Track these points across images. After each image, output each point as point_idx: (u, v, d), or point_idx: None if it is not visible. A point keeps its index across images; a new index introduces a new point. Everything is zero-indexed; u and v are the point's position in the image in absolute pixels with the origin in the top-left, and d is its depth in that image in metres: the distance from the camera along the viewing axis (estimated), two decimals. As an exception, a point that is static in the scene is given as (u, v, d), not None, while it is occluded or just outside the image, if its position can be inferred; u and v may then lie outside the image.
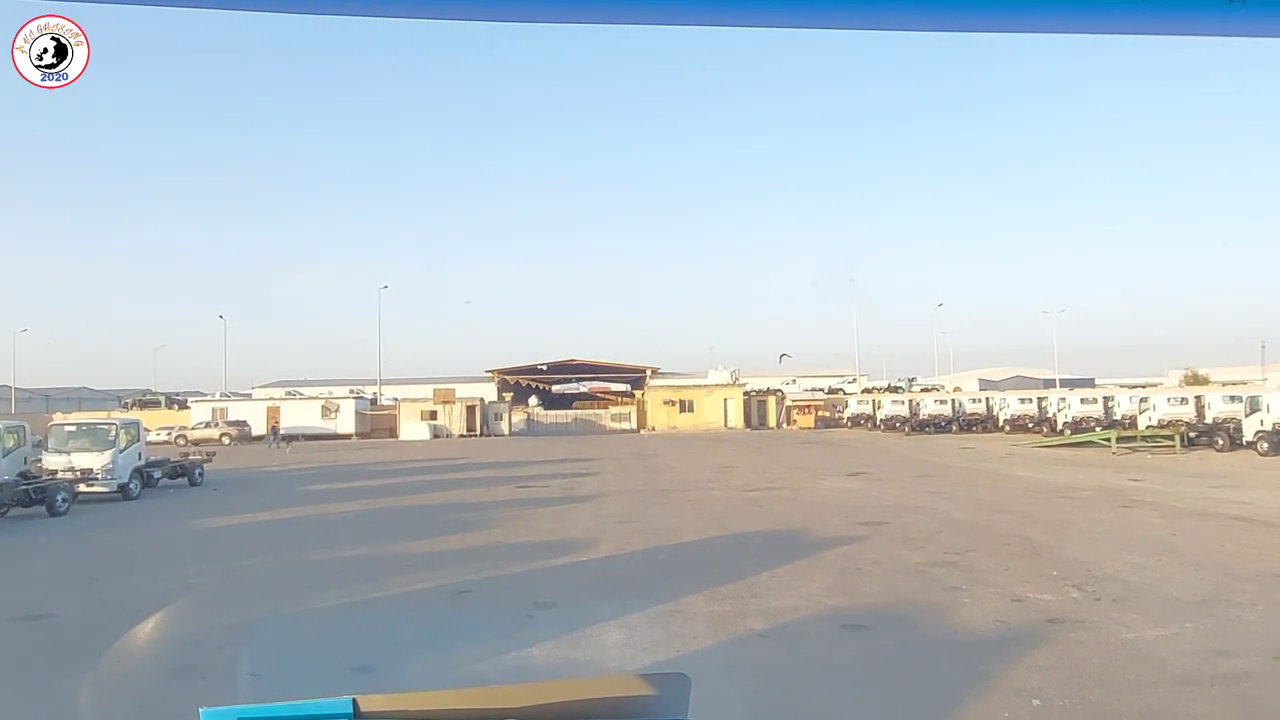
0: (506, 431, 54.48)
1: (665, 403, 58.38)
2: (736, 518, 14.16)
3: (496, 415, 55.64)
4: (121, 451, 19.38)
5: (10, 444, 19.47)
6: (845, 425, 52.81)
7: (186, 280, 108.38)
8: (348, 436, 50.69)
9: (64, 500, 16.96)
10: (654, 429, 55.78)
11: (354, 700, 1.00)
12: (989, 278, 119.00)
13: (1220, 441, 28.15)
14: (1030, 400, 43.41)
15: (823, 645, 6.92)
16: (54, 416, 36.13)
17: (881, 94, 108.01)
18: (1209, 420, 29.86)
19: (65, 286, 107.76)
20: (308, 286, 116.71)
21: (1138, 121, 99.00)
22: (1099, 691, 5.51)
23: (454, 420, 53.38)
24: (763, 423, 57.76)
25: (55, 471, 18.46)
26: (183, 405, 57.85)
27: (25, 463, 19.51)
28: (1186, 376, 56.87)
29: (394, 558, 11.01)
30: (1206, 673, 5.87)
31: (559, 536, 12.49)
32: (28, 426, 21.38)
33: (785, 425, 57.22)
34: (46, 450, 19.36)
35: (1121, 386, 47.55)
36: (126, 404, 60.93)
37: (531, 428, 57.61)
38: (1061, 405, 39.05)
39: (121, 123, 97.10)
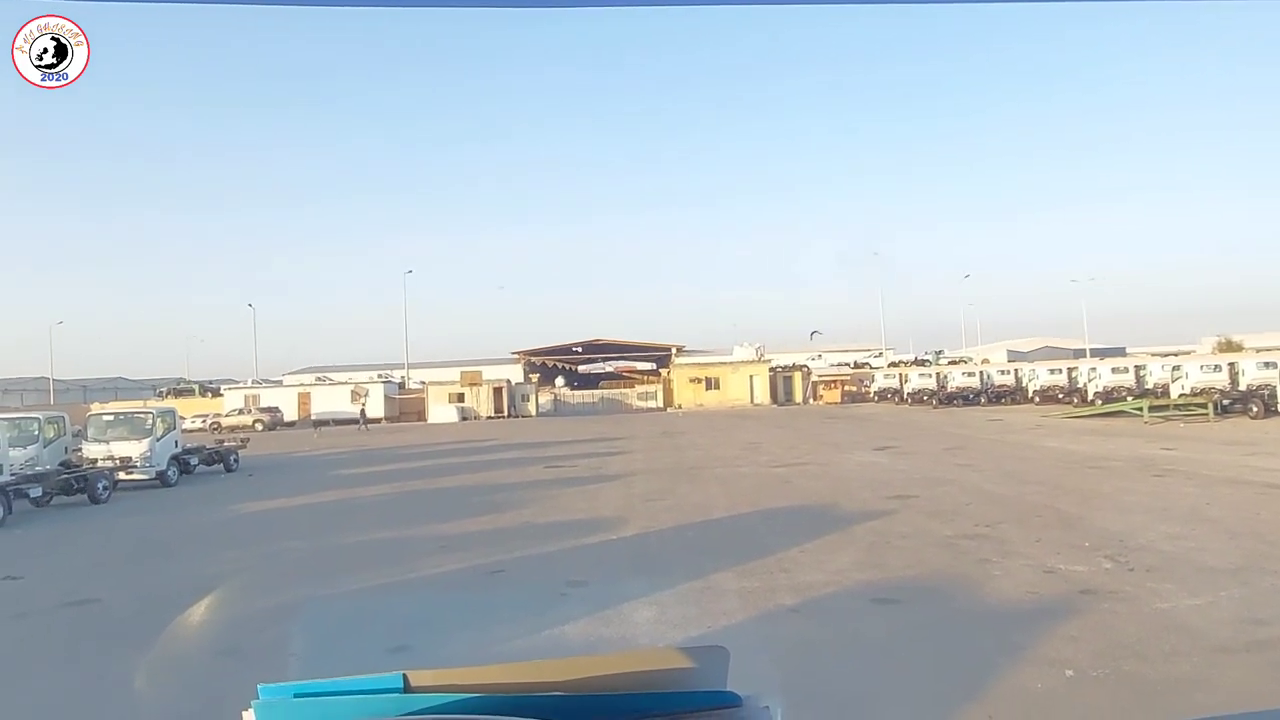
0: (533, 412, 54.90)
1: (691, 380, 58.43)
2: (764, 494, 14.18)
3: (523, 396, 56.09)
4: (159, 440, 19.80)
5: (51, 434, 20.05)
6: (872, 399, 52.50)
7: (217, 269, 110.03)
8: (377, 420, 51.37)
9: (105, 488, 17.41)
10: (680, 407, 55.84)
11: (404, 675, 1.04)
12: (1016, 248, 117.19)
13: (1255, 409, 27.68)
14: (1060, 370, 42.80)
15: (853, 619, 6.93)
16: (92, 406, 37.02)
17: (905, 68, 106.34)
18: (1243, 387, 29.29)
19: (99, 278, 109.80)
20: (335, 273, 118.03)
21: (1166, 86, 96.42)
22: (1133, 661, 5.48)
23: (481, 402, 53.87)
24: (789, 398, 57.66)
25: (95, 460, 18.93)
26: (216, 393, 58.92)
27: (66, 452, 20.09)
28: (1220, 343, 55.64)
29: (427, 539, 11.18)
30: (1242, 641, 5.82)
31: (589, 515, 12.60)
32: (67, 417, 21.99)
33: (812, 400, 57.04)
34: (86, 440, 19.84)
35: (1153, 355, 46.69)
36: (162, 393, 62.11)
37: (558, 408, 57.91)
38: (1092, 375, 38.51)
39: (149, 113, 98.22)
